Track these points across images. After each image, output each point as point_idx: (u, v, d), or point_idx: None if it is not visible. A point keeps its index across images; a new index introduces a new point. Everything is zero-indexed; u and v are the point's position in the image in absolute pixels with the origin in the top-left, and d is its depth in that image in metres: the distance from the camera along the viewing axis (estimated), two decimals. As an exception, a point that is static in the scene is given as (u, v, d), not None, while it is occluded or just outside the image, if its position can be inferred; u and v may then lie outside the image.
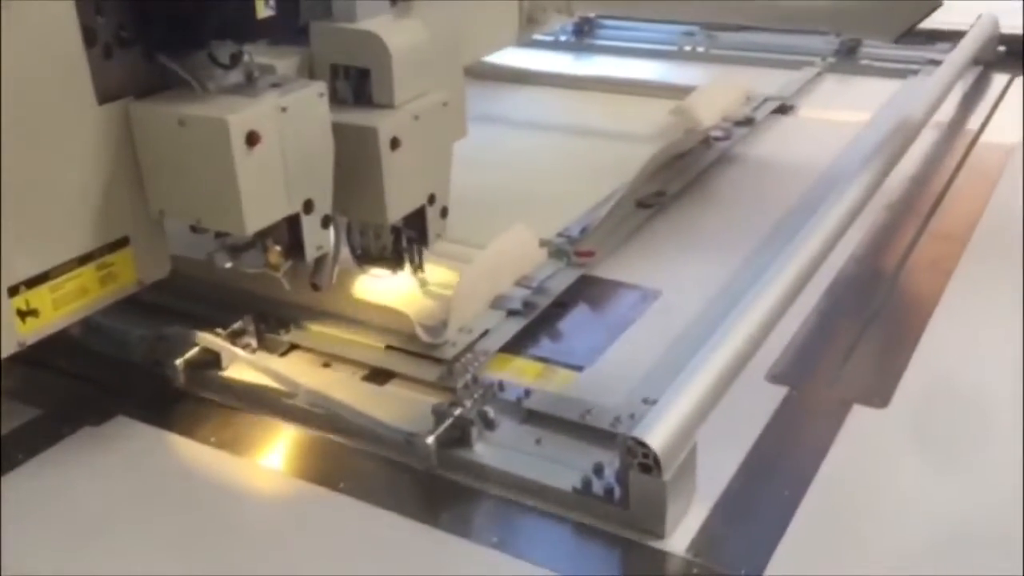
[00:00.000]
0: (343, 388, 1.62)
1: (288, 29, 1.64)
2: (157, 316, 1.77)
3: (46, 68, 1.36)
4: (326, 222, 1.60)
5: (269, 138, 1.45)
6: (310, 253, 1.60)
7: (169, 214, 1.55)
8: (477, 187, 2.07)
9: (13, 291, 1.38)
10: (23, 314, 1.40)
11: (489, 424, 1.49)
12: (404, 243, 1.77)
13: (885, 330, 1.80)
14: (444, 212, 1.78)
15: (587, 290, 1.92)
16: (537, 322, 1.80)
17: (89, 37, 1.40)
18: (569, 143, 2.72)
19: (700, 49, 3.51)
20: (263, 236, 1.58)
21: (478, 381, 1.60)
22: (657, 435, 1.28)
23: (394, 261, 1.79)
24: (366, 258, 1.81)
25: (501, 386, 1.59)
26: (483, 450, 1.46)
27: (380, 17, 1.67)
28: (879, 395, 1.59)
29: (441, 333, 1.70)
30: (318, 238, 1.60)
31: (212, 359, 1.67)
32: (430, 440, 1.43)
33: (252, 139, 1.43)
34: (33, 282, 1.40)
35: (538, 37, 3.28)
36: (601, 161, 2.50)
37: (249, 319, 1.74)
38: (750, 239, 2.08)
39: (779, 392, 1.60)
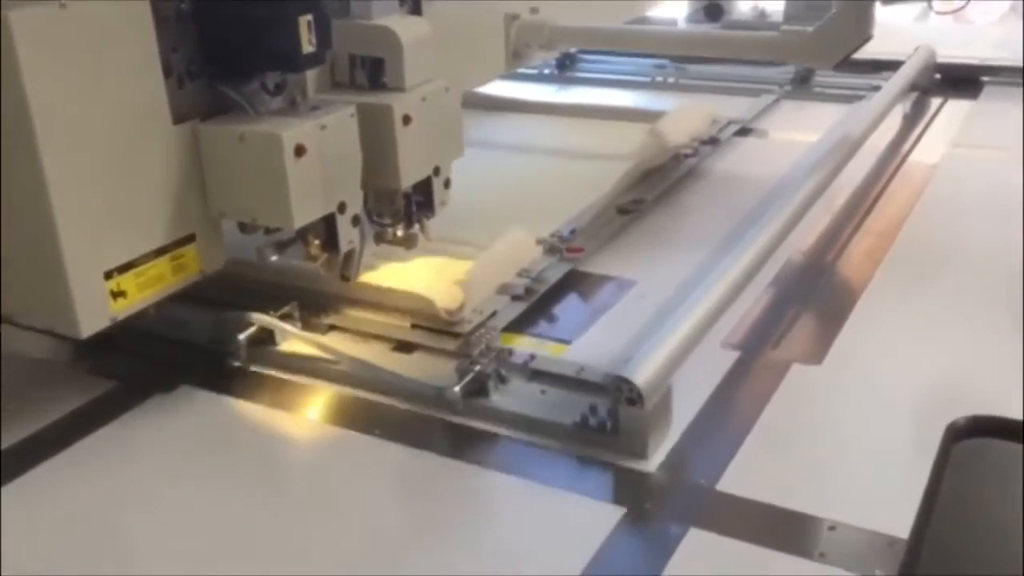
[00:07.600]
0: (377, 358, 1.94)
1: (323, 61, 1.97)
2: (213, 306, 2.05)
3: (136, 95, 1.68)
4: (355, 221, 1.93)
5: (312, 150, 1.77)
6: (343, 247, 1.92)
7: (227, 214, 1.87)
8: (477, 200, 2.39)
9: (108, 275, 1.69)
10: (115, 295, 1.71)
11: (502, 379, 1.81)
12: (414, 208, 2.08)
13: (823, 305, 2.15)
14: (447, 183, 2.11)
15: (574, 282, 2.26)
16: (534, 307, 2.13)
17: (167, 70, 1.73)
18: (555, 162, 3.06)
19: (671, 80, 3.92)
20: (304, 232, 1.90)
21: (490, 348, 1.90)
22: (640, 374, 1.61)
23: (405, 222, 2.09)
24: (382, 238, 2.12)
25: (510, 352, 1.91)
26: (498, 399, 1.78)
27: (391, 15, 2.01)
28: (815, 356, 1.92)
29: (459, 313, 2.03)
30: (349, 234, 1.92)
31: (267, 336, 1.98)
32: (456, 389, 1.76)
33: (299, 151, 1.75)
34: (122, 269, 1.72)
35: (524, 70, 3.68)
36: (584, 176, 2.83)
37: (294, 305, 2.05)
38: (713, 238, 2.41)
39: (732, 355, 1.94)
